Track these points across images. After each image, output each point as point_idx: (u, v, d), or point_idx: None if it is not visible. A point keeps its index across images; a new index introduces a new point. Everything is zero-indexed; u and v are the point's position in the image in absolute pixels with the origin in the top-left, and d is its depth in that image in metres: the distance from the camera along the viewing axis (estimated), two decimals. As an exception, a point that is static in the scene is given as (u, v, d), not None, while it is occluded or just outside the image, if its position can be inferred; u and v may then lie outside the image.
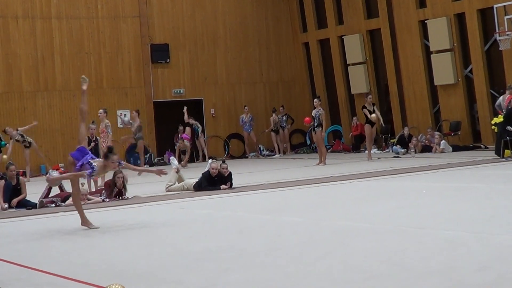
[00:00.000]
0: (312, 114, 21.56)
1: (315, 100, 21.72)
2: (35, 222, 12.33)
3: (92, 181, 16.80)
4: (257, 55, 29.56)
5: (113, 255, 8.56)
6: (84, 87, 11.42)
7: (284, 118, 28.34)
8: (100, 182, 16.89)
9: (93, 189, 16.20)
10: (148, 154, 26.75)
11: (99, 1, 26.87)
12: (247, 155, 28.28)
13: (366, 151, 23.03)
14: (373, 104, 22.47)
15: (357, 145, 27.25)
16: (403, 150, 23.98)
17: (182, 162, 24.11)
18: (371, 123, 22.02)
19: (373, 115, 21.88)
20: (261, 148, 28.67)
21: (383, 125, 24.26)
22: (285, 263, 7.43)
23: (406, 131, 24.81)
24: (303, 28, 30.05)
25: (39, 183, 18.07)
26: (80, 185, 14.49)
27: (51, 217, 12.88)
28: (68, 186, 15.14)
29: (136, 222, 11.50)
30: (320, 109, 21.25)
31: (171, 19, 28.06)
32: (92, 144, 18.69)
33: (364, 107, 22.22)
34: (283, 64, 30.13)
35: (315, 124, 21.27)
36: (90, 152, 11.02)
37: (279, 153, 28.05)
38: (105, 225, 11.18)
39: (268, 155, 28.27)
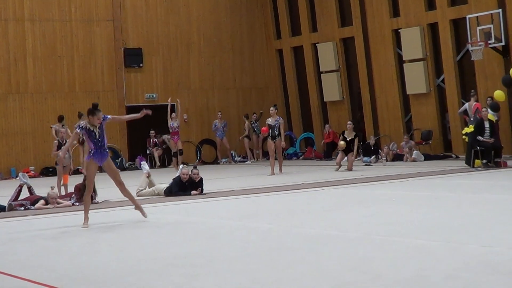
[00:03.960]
0: (269, 123, 20.73)
1: (272, 108, 21.04)
2: (4, 225, 12.21)
3: (62, 185, 16.73)
4: (230, 61, 29.56)
5: (82, 260, 8.51)
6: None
7: (257, 124, 28.30)
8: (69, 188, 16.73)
9: (63, 193, 16.09)
10: (120, 159, 26.65)
11: (72, 4, 26.73)
12: (219, 161, 28.25)
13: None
14: (356, 135, 21.16)
15: (329, 153, 27.31)
16: (373, 158, 23.99)
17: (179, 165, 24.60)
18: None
19: (342, 142, 21.02)
20: (233, 154, 28.64)
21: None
22: (255, 269, 7.44)
23: (372, 140, 24.82)
24: (277, 35, 30.11)
25: (11, 185, 17.92)
26: (50, 188, 14.45)
27: (20, 220, 12.78)
28: (38, 190, 15.07)
29: (106, 226, 11.45)
30: (279, 118, 20.90)
31: (145, 23, 28.00)
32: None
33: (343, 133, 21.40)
34: (257, 71, 30.15)
35: (276, 133, 20.67)
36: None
37: (252, 159, 28.05)
38: (74, 229, 11.12)
39: (240, 161, 28.26)
